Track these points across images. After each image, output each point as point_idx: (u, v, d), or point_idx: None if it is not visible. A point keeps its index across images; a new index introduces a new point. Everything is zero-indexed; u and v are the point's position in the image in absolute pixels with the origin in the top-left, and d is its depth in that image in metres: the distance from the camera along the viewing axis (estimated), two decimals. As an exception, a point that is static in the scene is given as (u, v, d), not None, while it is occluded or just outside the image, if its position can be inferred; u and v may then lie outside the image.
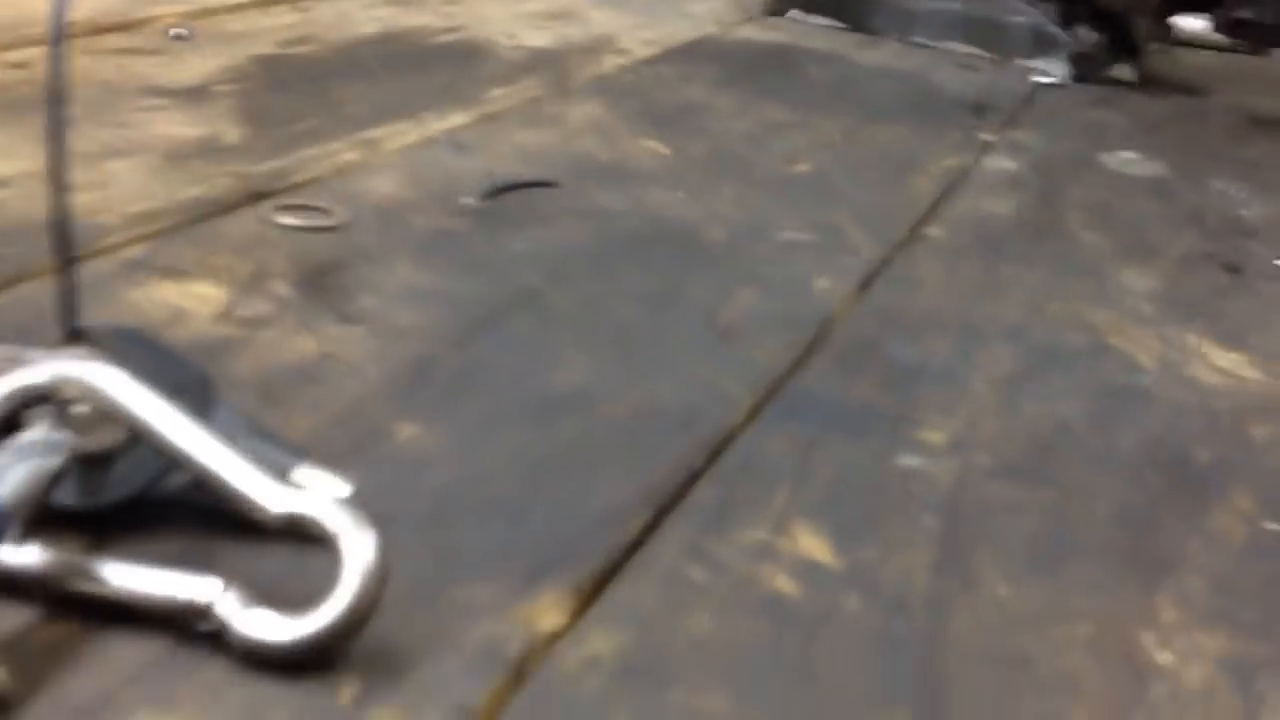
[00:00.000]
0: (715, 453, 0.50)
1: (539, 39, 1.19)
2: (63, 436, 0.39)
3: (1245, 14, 1.22)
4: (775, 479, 0.49)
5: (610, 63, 1.14)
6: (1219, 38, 1.68)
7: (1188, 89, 1.37)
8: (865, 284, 0.70)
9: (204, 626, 0.35)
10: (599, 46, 1.19)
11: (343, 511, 0.36)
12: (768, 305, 0.66)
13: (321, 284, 0.61)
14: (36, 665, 0.34)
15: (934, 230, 0.81)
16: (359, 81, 0.96)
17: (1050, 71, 1.35)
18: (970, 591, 0.43)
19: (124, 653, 0.35)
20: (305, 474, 0.40)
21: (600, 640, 0.38)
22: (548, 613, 0.39)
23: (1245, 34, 1.23)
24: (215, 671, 0.35)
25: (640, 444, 0.50)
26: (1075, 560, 0.46)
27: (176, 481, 0.40)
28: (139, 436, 0.39)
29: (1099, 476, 0.53)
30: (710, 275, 0.69)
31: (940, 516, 0.48)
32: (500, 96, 0.98)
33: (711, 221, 0.77)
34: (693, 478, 0.48)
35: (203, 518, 0.40)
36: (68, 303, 0.41)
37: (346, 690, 0.35)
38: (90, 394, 0.38)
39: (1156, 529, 0.49)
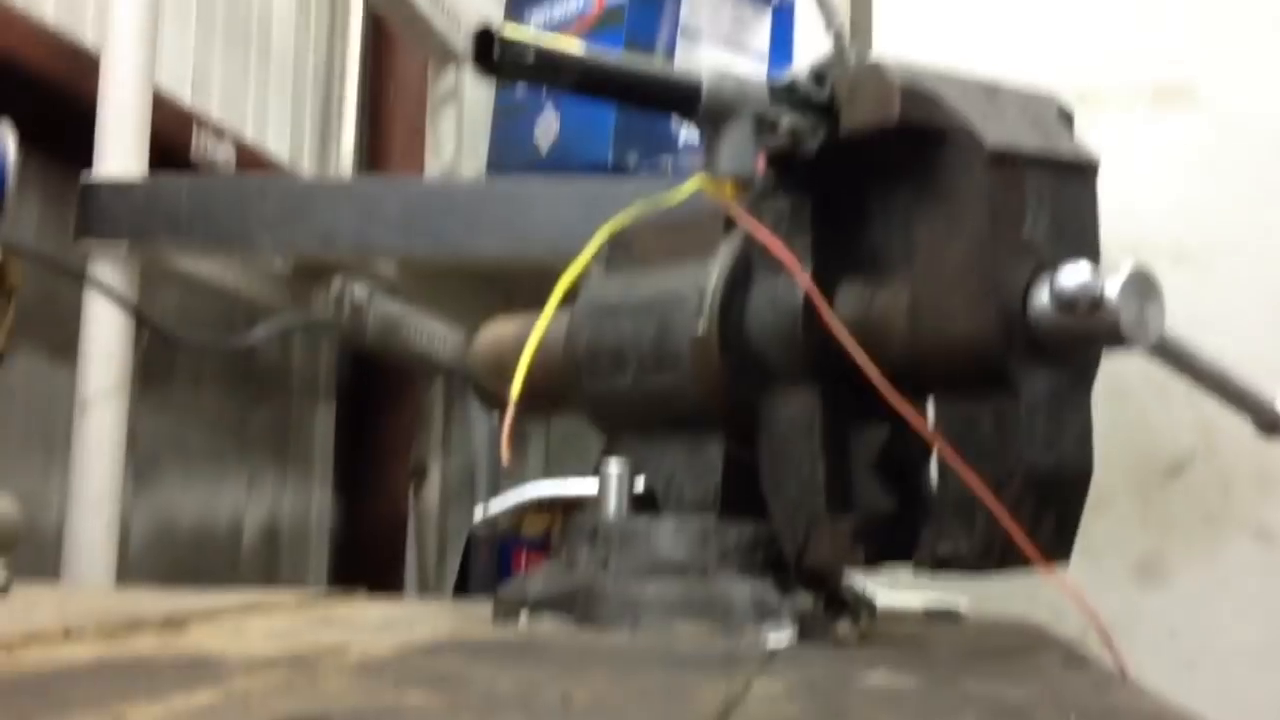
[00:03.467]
0: None
1: (271, 649, 1.14)
2: None
3: (946, 549, 1.30)
4: None
5: (356, 655, 1.09)
6: (917, 609, 1.79)
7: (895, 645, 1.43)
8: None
9: None
10: (339, 650, 1.15)
11: None
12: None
13: None
14: None
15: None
16: (76, 689, 0.88)
17: (778, 635, 1.38)
18: None
19: None
20: None
21: None
22: None
23: (950, 567, 1.31)
24: None
25: None
26: None
27: None
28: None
29: None
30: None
31: None
32: (246, 681, 0.91)
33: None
34: None
35: None
36: None
37: None
38: None
39: None
